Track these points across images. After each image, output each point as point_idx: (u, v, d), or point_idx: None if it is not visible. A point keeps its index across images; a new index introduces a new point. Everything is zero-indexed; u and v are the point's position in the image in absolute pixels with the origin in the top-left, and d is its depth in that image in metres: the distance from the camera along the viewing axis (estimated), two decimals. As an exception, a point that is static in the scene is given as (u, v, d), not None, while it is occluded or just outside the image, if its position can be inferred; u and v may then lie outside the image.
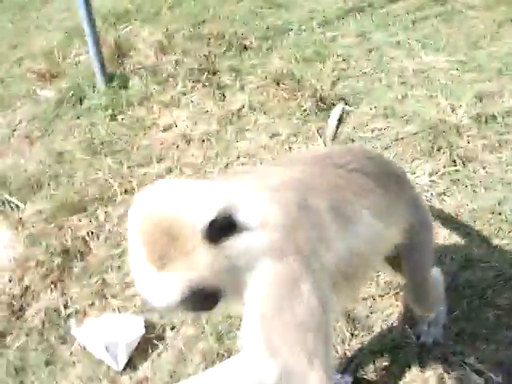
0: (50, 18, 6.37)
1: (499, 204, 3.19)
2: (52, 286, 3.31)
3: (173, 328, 3.00)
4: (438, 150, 3.59)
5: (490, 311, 2.70)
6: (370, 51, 4.77)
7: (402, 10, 5.27)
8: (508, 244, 2.97)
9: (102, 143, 4.06)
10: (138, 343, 2.93)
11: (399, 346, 2.62)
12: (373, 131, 3.85)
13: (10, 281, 3.35)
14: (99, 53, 4.43)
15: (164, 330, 3.00)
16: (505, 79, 4.25)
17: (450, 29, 4.97)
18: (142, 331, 2.91)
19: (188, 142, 3.97)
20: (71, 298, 3.27)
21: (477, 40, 4.77)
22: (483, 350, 2.57)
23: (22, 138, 4.32)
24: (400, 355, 2.58)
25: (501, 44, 4.67)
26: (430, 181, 3.40)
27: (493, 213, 3.15)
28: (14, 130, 4.50)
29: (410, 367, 2.54)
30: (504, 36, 4.78)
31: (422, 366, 2.54)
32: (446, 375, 2.49)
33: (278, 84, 4.20)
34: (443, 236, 3.10)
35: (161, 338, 2.96)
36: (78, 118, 4.40)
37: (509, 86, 4.16)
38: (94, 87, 4.61)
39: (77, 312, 3.20)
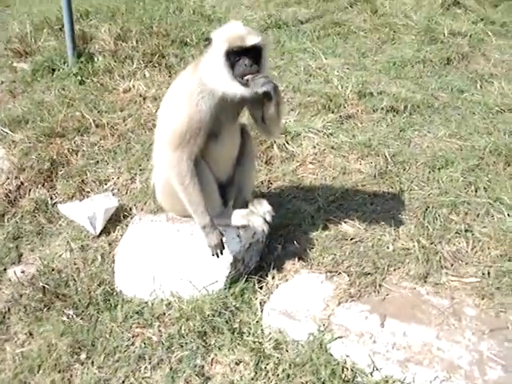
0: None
1: (369, 140, 4.56)
2: (41, 184, 4.37)
3: (136, 207, 4.12)
4: (329, 109, 4.96)
5: (361, 195, 4.04)
6: (284, 53, 6.19)
7: (310, 28, 6.77)
8: (374, 161, 4.34)
9: (75, 98, 5.18)
10: (112, 215, 4.03)
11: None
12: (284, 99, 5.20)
13: (8, 179, 4.37)
14: (72, 34, 5.59)
15: (131, 209, 4.11)
16: (382, 75, 5.76)
17: (346, 44, 6.51)
18: (116, 204, 4.03)
19: (144, 99, 5.16)
20: (56, 193, 4.33)
21: (365, 52, 6.30)
22: (354, 215, 3.87)
23: (6, 93, 5.37)
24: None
25: (382, 56, 6.22)
26: (323, 126, 4.74)
27: (365, 145, 4.51)
28: (-2, 88, 5.54)
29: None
30: (386, 50, 6.34)
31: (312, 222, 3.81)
32: (329, 226, 3.77)
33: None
34: (329, 158, 4.43)
35: (129, 213, 4.08)
36: (53, 81, 5.50)
37: (384, 78, 5.66)
38: (64, 62, 5.73)
39: (61, 202, 4.26)
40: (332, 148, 4.51)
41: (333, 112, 4.94)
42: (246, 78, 2.90)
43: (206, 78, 3.00)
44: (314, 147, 4.53)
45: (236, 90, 2.94)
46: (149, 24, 6.52)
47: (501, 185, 4.00)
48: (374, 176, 4.18)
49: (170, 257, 3.40)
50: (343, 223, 3.79)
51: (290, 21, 6.98)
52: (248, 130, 3.55)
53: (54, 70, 5.68)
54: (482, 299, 3.18)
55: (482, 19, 7.05)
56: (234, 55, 2.90)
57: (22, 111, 5.06)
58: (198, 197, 3.10)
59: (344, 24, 6.86)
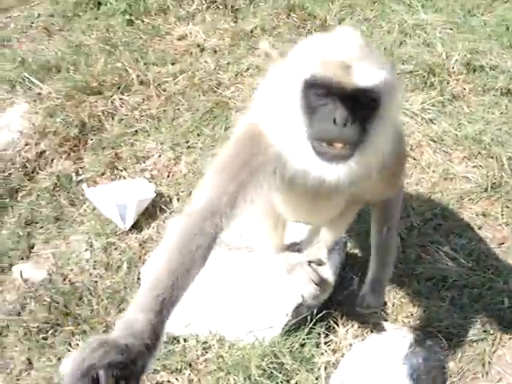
0: None
1: (480, 134, 3.55)
2: (66, 154, 3.55)
3: (178, 199, 3.28)
4: (430, 85, 3.93)
5: (466, 214, 3.09)
6: (374, 2, 5.07)
7: (407, -26, 5.58)
8: (485, 165, 3.35)
9: (120, 42, 4.28)
10: (147, 207, 3.21)
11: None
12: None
13: (27, 145, 3.57)
14: (122, -39, 4.63)
15: (171, 200, 3.27)
16: (493, 43, 4.63)
17: (449, -4, 5.31)
18: (153, 195, 3.19)
19: (201, 50, 4.22)
20: (83, 167, 3.51)
21: (472, 8, 5.12)
22: (456, 243, 2.95)
23: (41, 30, 4.52)
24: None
25: (492, 15, 5.04)
26: (422, 109, 3.74)
27: (474, 140, 3.51)
28: (33, 23, 4.67)
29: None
30: (496, 9, 5.16)
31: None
32: (424, 256, 2.86)
33: (289, 12, 4.48)
34: (427, 154, 3.46)
35: (168, 206, 3.24)
36: (96, 18, 4.60)
37: (496, 48, 4.54)
38: (112, -6, 4.80)
39: (87, 180, 3.44)
40: (432, 140, 3.53)
41: (435, 89, 3.90)
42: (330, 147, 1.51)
43: (260, 118, 1.71)
44: (410, 136, 3.55)
45: (306, 164, 1.58)
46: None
47: None
48: (486, 189, 3.21)
49: (212, 288, 2.59)
50: (442, 254, 2.89)
51: (383, -39, 5.77)
52: None
53: (100, 4, 4.75)
54: None
55: None
56: (319, 94, 1.51)
57: (56, 55, 4.19)
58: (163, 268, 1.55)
59: (449, -29, 5.62)
